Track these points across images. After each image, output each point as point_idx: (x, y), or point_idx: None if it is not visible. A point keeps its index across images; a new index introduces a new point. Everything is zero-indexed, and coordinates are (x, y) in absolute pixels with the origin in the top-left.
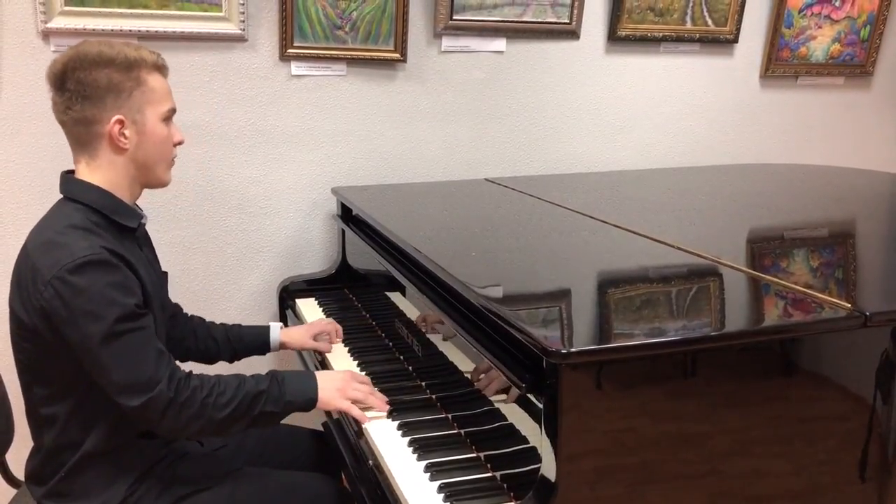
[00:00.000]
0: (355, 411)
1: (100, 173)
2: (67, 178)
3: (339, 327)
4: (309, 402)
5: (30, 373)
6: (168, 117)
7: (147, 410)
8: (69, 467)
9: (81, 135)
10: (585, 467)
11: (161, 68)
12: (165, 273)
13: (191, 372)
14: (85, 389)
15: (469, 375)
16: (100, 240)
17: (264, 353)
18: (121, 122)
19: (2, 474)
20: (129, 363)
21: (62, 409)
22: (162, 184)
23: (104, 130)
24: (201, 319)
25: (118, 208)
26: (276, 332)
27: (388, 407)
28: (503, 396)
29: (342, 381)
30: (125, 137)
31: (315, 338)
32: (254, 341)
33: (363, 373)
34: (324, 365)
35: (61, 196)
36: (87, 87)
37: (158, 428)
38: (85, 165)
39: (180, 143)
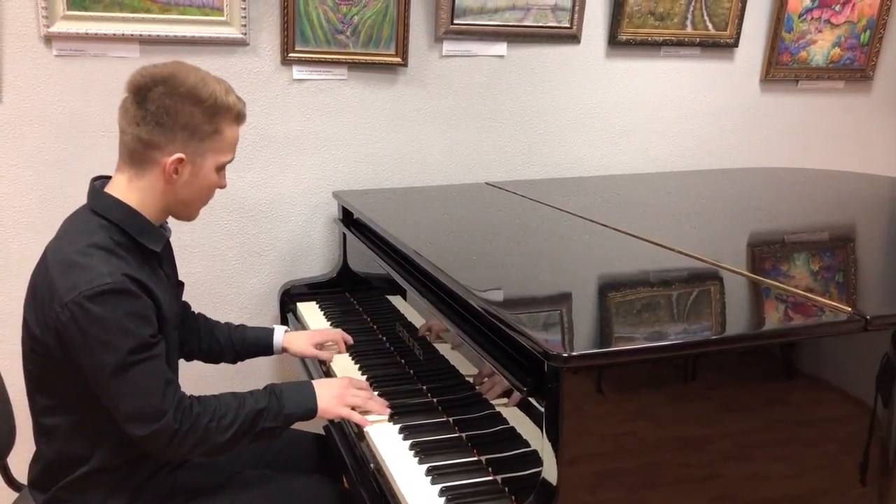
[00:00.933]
0: (356, 417)
1: (138, 193)
2: (97, 190)
3: (349, 337)
4: (308, 413)
5: (36, 382)
6: (224, 166)
7: (152, 440)
8: (71, 479)
9: (138, 153)
10: (587, 471)
11: (241, 118)
12: (182, 283)
13: (192, 398)
14: (89, 406)
15: (472, 380)
16: (122, 263)
17: (268, 355)
18: (181, 160)
19: (3, 477)
20: (138, 394)
21: (65, 422)
22: (189, 219)
23: (161, 159)
24: (206, 318)
25: (144, 230)
26: (280, 336)
27: (388, 411)
28: (504, 400)
29: (340, 388)
30: (177, 174)
31: (320, 346)
32: (256, 344)
33: (364, 376)
34: (328, 371)
35: (87, 205)
36: (167, 116)
37: (163, 455)
38: (127, 179)
39: (222, 188)
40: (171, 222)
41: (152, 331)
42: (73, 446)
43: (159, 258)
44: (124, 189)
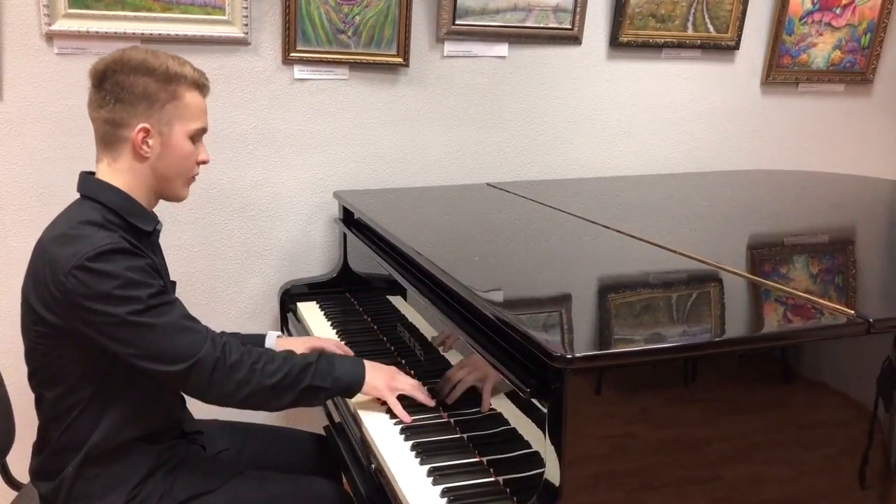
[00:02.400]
0: (399, 408)
1: (120, 176)
2: (86, 177)
3: (345, 348)
4: (356, 382)
5: (43, 370)
6: (196, 135)
7: (193, 374)
8: (74, 465)
9: (108, 135)
10: (589, 472)
11: (201, 87)
12: (174, 283)
13: (233, 338)
14: (96, 386)
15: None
16: (116, 235)
17: None
18: (146, 130)
19: (2, 476)
20: (169, 330)
21: (72, 406)
22: (178, 198)
23: (129, 135)
24: None
25: (134, 211)
26: (272, 341)
27: (433, 402)
28: (504, 398)
29: (390, 373)
30: (148, 146)
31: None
32: None
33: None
34: None
35: (79, 195)
36: (122, 91)
37: (207, 393)
38: (106, 166)
39: (204, 162)
40: (171, 220)
41: (161, 283)
42: (77, 429)
43: (152, 245)
44: (107, 175)
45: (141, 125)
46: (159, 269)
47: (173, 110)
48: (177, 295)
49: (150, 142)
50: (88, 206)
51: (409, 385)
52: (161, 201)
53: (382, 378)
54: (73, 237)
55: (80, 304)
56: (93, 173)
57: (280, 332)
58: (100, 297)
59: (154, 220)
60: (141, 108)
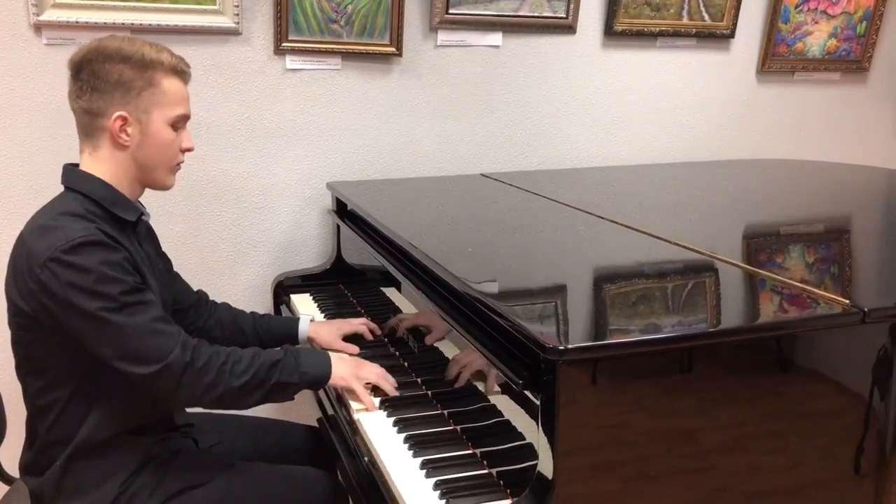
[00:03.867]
0: (365, 396)
1: (102, 165)
2: (69, 169)
3: (374, 326)
4: (323, 375)
5: (26, 363)
6: (178, 122)
7: (162, 378)
8: (62, 460)
9: (87, 124)
10: (582, 463)
11: (180, 73)
12: (177, 274)
13: (201, 340)
14: (79, 379)
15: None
16: (95, 226)
17: (295, 345)
18: (123, 118)
19: None
20: (139, 332)
21: (57, 399)
22: (163, 187)
23: (107, 124)
24: (229, 307)
25: (117, 200)
26: (305, 325)
27: (397, 392)
28: (497, 390)
29: (355, 364)
30: (126, 135)
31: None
32: (283, 334)
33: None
34: None
35: (63, 188)
36: (98, 80)
37: (176, 396)
38: (88, 156)
39: (188, 149)
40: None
41: (136, 279)
42: (64, 424)
43: (138, 235)
44: (90, 165)
45: (118, 113)
46: (138, 263)
47: (150, 97)
48: None
49: (129, 130)
50: (70, 197)
51: (375, 374)
52: (152, 192)
53: (349, 368)
54: (50, 228)
55: (54, 296)
56: (77, 165)
57: (312, 317)
58: (72, 291)
59: (137, 210)
60: (117, 96)
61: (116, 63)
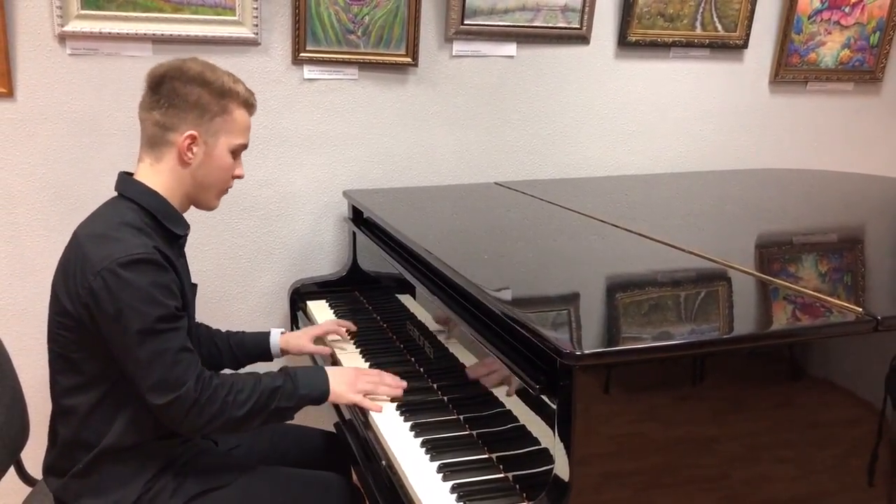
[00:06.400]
0: (367, 402)
1: (159, 177)
2: (125, 177)
3: (347, 323)
4: (322, 396)
5: (61, 361)
6: (237, 151)
7: (172, 409)
8: (86, 463)
9: (155, 136)
10: (598, 468)
11: (250, 106)
12: (195, 285)
13: (213, 373)
14: (111, 383)
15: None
16: (151, 241)
17: (270, 360)
18: (193, 137)
19: (17, 472)
20: (163, 362)
21: (85, 401)
22: (208, 207)
23: (176, 140)
24: (207, 327)
25: (171, 215)
26: (276, 337)
27: (401, 390)
28: (513, 395)
29: (352, 376)
30: (192, 153)
31: (320, 340)
32: (255, 348)
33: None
34: (336, 364)
35: (116, 194)
36: (177, 97)
37: (181, 426)
38: (148, 166)
39: (239, 177)
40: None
41: (178, 304)
42: (90, 427)
43: (181, 247)
44: (147, 175)
45: (189, 132)
46: (183, 283)
47: (221, 123)
48: None
49: (195, 149)
50: (125, 206)
51: (373, 384)
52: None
53: (346, 383)
54: (110, 238)
55: (100, 305)
56: (130, 174)
57: (283, 329)
58: (118, 304)
59: (186, 226)
60: (192, 116)
61: (197, 86)
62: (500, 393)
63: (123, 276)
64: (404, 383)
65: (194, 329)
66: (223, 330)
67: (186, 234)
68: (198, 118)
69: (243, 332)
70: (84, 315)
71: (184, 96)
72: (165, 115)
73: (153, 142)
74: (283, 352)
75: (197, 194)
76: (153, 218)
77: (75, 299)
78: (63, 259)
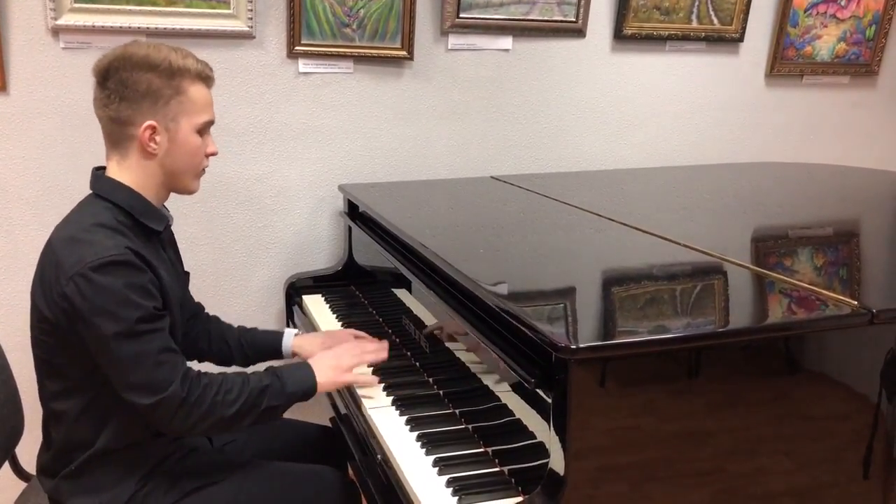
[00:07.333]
0: (360, 378)
1: (129, 173)
2: (98, 175)
3: (361, 334)
4: (309, 390)
5: (46, 367)
6: (204, 128)
7: (159, 409)
8: (79, 463)
9: (115, 133)
10: (593, 462)
11: (206, 79)
12: (187, 273)
13: (199, 371)
14: (98, 387)
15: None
16: (125, 240)
17: (279, 359)
18: (152, 128)
19: (12, 468)
20: (146, 363)
21: (74, 406)
22: (188, 191)
23: (136, 133)
24: (218, 320)
25: (146, 210)
26: (289, 339)
27: (385, 352)
28: (509, 391)
29: (334, 358)
30: (155, 143)
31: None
32: (266, 348)
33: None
34: None
35: (90, 192)
36: (126, 89)
37: (168, 427)
38: (116, 164)
39: (213, 154)
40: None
41: (157, 303)
42: (80, 430)
43: (162, 241)
44: (117, 173)
45: (147, 123)
46: (162, 282)
47: (178, 105)
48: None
49: (158, 139)
50: (100, 205)
51: (357, 358)
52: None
53: (331, 370)
54: (81, 241)
55: (75, 310)
56: (103, 169)
57: (297, 330)
58: (93, 309)
59: (164, 218)
60: (146, 106)
61: (144, 71)
62: (495, 387)
63: (96, 279)
64: (385, 342)
65: (183, 324)
66: (235, 326)
67: (168, 228)
68: (152, 106)
69: (255, 330)
70: (62, 321)
71: (133, 86)
72: (119, 109)
73: (114, 139)
74: (294, 354)
75: (172, 182)
76: (129, 215)
77: (52, 306)
78: (39, 265)
